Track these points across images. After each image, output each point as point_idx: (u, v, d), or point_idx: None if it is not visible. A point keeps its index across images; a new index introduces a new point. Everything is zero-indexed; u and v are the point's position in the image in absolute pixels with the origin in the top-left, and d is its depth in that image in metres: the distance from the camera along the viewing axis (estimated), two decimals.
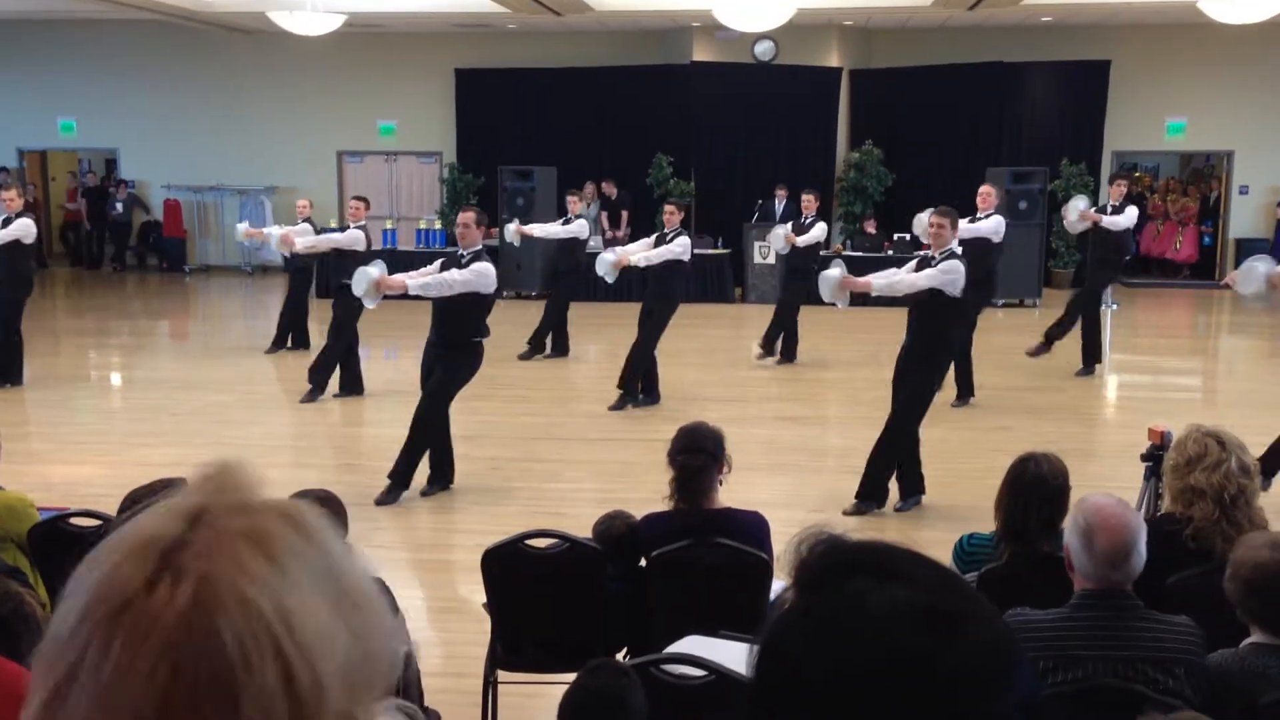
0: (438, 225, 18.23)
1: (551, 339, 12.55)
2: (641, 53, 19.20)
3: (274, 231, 10.67)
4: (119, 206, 20.89)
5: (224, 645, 0.80)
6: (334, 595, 0.87)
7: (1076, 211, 10.83)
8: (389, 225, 18.18)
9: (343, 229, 11.19)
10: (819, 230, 12.26)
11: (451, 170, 19.48)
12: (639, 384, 10.14)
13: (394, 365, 12.21)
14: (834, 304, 7.36)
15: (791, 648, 0.90)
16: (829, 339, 12.16)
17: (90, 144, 21.64)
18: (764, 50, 18.52)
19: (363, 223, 10.84)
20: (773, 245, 11.88)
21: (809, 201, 12.25)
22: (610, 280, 9.88)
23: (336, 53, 19.25)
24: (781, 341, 12.22)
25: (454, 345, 7.45)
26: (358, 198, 11.19)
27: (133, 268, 21.51)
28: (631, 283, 16.78)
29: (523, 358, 12.23)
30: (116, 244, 21.34)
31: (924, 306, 7.12)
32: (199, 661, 0.79)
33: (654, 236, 10.44)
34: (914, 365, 7.24)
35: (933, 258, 7.17)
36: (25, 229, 10.51)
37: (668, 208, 10.42)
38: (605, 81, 19.02)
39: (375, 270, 7.41)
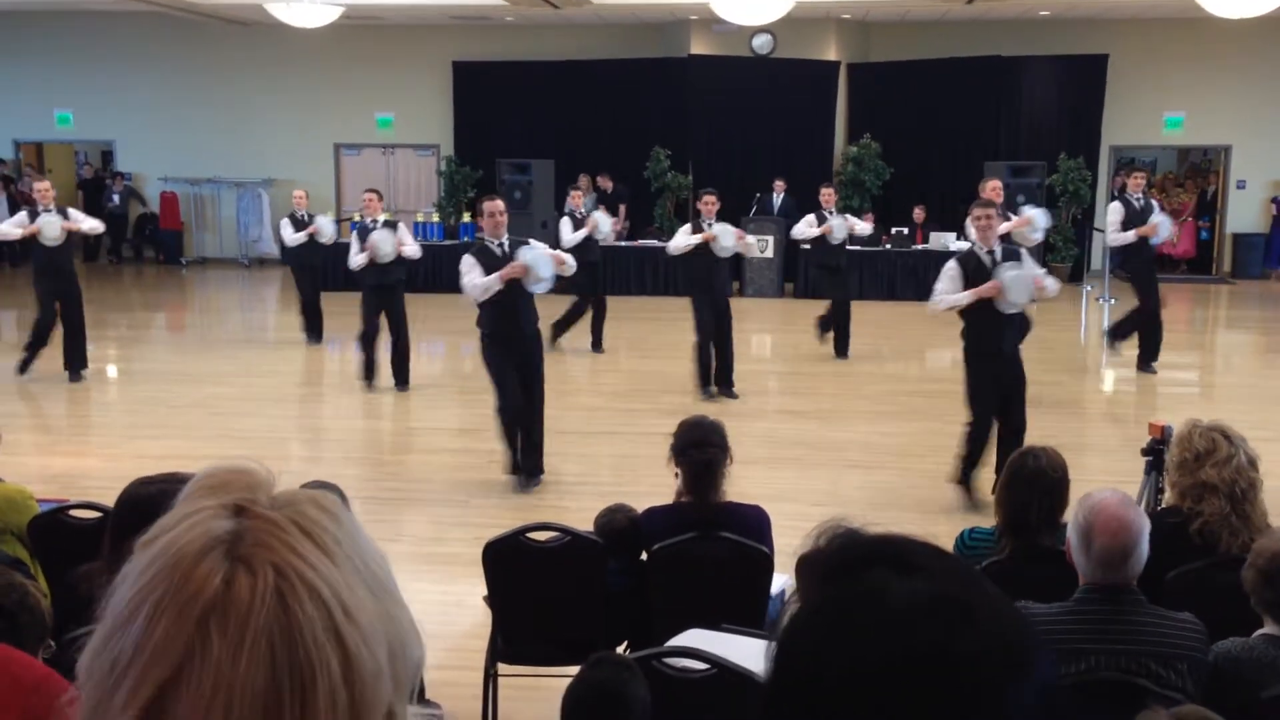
0: (435, 218, 18.21)
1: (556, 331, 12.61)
2: (639, 46, 19.18)
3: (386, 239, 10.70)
4: (116, 199, 20.85)
5: (303, 633, 0.83)
6: (372, 583, 0.90)
7: (1168, 229, 11.02)
8: (385, 218, 18.14)
9: (335, 221, 11.21)
10: (866, 224, 12.75)
11: (449, 163, 19.46)
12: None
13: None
14: (1013, 304, 6.93)
15: (810, 641, 0.90)
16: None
17: (87, 136, 21.60)
18: (762, 44, 18.50)
19: (377, 217, 10.92)
20: (835, 234, 12.04)
21: (828, 195, 12.41)
22: (728, 255, 10.29)
23: (334, 45, 19.21)
24: (835, 334, 12.21)
25: (538, 333, 7.62)
26: (372, 190, 11.27)
27: (129, 260, 21.47)
28: (629, 276, 16.79)
29: (597, 351, 12.48)
30: (113, 236, 21.28)
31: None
32: (287, 651, 0.83)
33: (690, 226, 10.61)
34: (1017, 360, 7.17)
35: (990, 251, 7.00)
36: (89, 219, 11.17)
37: (708, 198, 10.56)
38: (603, 74, 18.99)
39: (546, 249, 7.51)
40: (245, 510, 0.88)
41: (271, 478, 0.94)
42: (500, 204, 7.56)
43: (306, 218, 12.86)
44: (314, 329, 12.99)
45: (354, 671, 0.85)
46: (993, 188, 10.40)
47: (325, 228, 12.82)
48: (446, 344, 13.20)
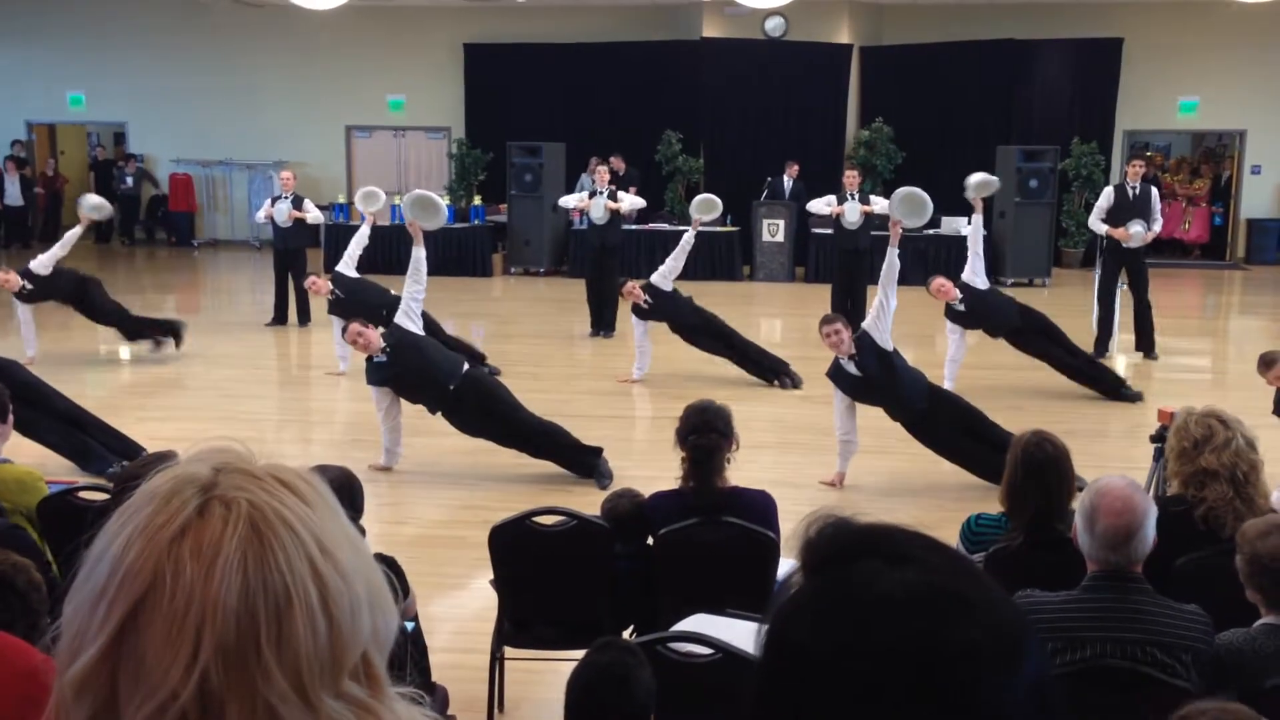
0: (446, 200, 18.19)
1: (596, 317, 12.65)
2: (651, 28, 19.11)
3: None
4: (128, 180, 20.90)
5: (278, 562, 0.87)
6: (351, 537, 0.94)
7: (1140, 239, 10.87)
8: (397, 201, 18.15)
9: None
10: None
11: (460, 146, 19.45)
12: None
13: None
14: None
15: (799, 629, 0.90)
16: None
17: (99, 118, 21.64)
18: (774, 26, 18.42)
19: None
20: (847, 217, 12.07)
21: (851, 178, 12.51)
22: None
23: (346, 27, 19.19)
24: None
25: (463, 374, 7.62)
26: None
27: (141, 242, 21.52)
28: (640, 259, 16.75)
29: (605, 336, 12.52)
30: (125, 218, 21.34)
31: None
32: (261, 576, 0.86)
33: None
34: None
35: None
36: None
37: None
38: (614, 57, 18.94)
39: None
40: (223, 466, 0.93)
41: (251, 455, 0.97)
42: (353, 326, 7.48)
43: (289, 199, 12.82)
44: (279, 311, 12.99)
45: (332, 602, 0.88)
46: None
47: (312, 210, 12.98)
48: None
